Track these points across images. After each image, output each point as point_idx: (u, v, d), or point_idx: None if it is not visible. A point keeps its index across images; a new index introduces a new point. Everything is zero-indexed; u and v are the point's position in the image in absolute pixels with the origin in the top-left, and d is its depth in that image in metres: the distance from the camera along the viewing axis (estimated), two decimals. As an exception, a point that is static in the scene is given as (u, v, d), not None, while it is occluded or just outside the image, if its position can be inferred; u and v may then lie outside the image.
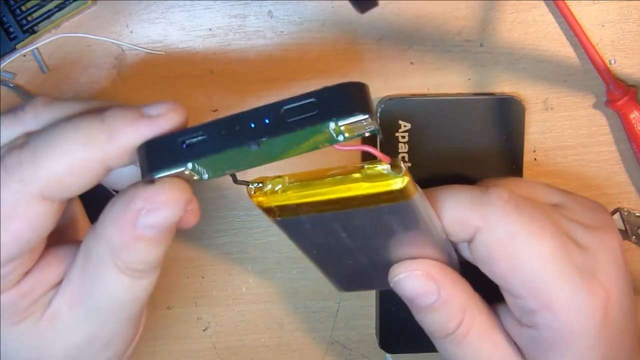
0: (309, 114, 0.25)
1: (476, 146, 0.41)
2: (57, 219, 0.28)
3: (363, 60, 0.41)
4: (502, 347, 0.34)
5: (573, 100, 0.42)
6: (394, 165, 0.28)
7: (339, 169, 0.29)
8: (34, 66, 0.40)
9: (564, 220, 0.33)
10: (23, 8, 0.39)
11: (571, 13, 0.40)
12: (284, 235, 0.33)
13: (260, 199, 0.30)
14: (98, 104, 0.29)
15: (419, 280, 0.33)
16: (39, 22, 0.39)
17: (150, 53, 0.41)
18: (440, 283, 0.33)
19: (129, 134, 0.27)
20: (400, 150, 0.41)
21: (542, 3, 0.41)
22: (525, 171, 0.42)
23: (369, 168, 0.28)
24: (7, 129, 0.29)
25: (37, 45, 0.40)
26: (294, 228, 0.32)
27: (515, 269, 0.32)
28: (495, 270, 0.32)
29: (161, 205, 0.27)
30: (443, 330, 0.34)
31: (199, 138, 0.26)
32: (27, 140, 0.28)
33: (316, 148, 0.27)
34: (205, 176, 0.27)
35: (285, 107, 0.26)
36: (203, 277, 0.44)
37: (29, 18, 0.39)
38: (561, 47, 0.42)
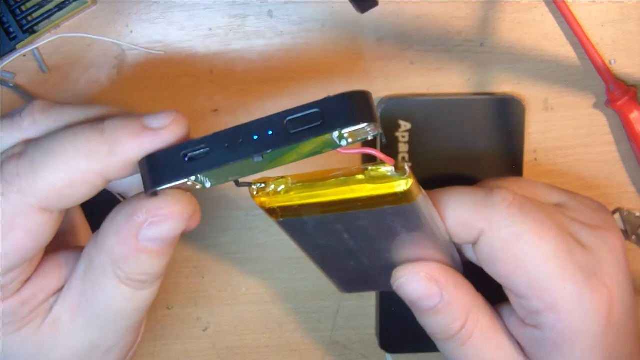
0: (312, 125, 0.25)
1: (476, 146, 0.41)
2: (56, 227, 0.28)
3: (363, 60, 0.41)
4: (505, 348, 0.34)
5: (573, 100, 0.42)
6: (398, 167, 0.28)
7: (342, 171, 0.29)
8: (34, 66, 0.40)
9: (566, 220, 0.33)
10: (23, 8, 0.39)
11: (571, 13, 0.40)
12: (284, 235, 0.33)
13: (262, 199, 0.30)
14: (97, 110, 0.29)
15: (422, 282, 0.33)
16: (39, 22, 0.39)
17: (150, 53, 0.41)
18: (443, 285, 0.33)
19: (130, 147, 0.27)
20: (400, 150, 0.41)
21: (542, 3, 0.41)
22: (525, 171, 0.42)
23: (372, 170, 0.28)
24: (5, 135, 0.28)
25: (37, 45, 0.40)
26: (296, 229, 0.32)
27: (519, 269, 0.32)
28: (500, 271, 0.32)
29: (164, 218, 0.27)
30: (446, 332, 0.34)
31: (202, 151, 0.26)
32: (25, 149, 0.27)
33: (319, 153, 0.27)
34: (208, 184, 0.27)
35: (289, 118, 0.25)
36: (203, 277, 0.44)
37: (29, 18, 0.39)
38: (561, 47, 0.42)
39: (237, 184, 0.29)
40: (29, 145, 0.27)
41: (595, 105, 0.43)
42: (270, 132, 0.26)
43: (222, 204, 0.43)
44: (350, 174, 0.28)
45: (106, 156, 0.26)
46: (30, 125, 0.28)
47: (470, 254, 0.34)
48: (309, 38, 0.41)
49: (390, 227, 0.31)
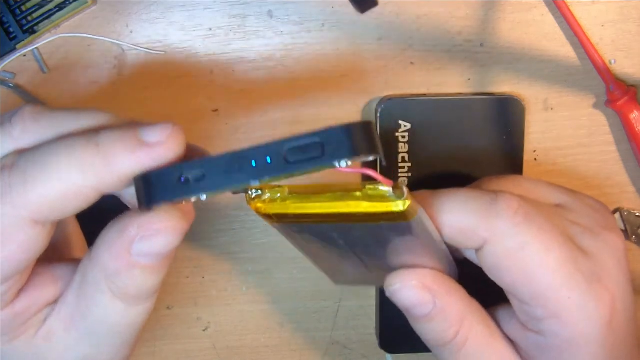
0: (312, 156, 0.25)
1: (476, 146, 0.41)
2: (49, 239, 0.28)
3: (363, 60, 0.41)
4: (501, 354, 0.34)
5: (573, 100, 0.42)
6: (396, 188, 0.28)
7: (341, 186, 0.29)
8: (34, 66, 0.40)
9: (568, 225, 0.33)
10: (23, 8, 0.39)
11: (571, 13, 0.40)
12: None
13: (258, 205, 0.29)
14: (89, 117, 0.28)
15: (414, 290, 0.33)
16: (39, 22, 0.39)
17: (150, 53, 0.41)
18: (436, 293, 0.33)
19: (126, 162, 0.26)
20: (400, 150, 0.41)
21: (542, 3, 0.41)
22: (525, 171, 0.42)
23: (370, 189, 0.28)
24: None
25: (37, 45, 0.40)
26: (291, 233, 0.32)
27: (523, 279, 0.31)
28: (503, 279, 0.32)
29: (156, 233, 0.27)
30: (440, 339, 0.33)
31: (199, 174, 0.26)
32: (17, 160, 0.27)
33: (316, 172, 0.26)
34: (204, 197, 0.27)
35: (288, 147, 0.25)
36: (203, 277, 0.44)
37: (29, 18, 0.39)
38: (561, 47, 0.42)
39: (234, 192, 0.29)
40: (21, 156, 0.27)
41: (595, 105, 0.43)
42: (269, 160, 0.25)
43: (222, 204, 0.43)
44: (348, 190, 0.28)
45: (101, 171, 0.26)
46: (21, 134, 0.28)
47: (469, 253, 0.34)
48: (309, 38, 0.41)
49: (386, 238, 0.31)
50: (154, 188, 0.26)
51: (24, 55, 0.40)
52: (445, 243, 0.33)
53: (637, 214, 0.43)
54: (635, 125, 0.41)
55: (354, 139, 0.25)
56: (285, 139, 0.25)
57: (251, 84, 0.41)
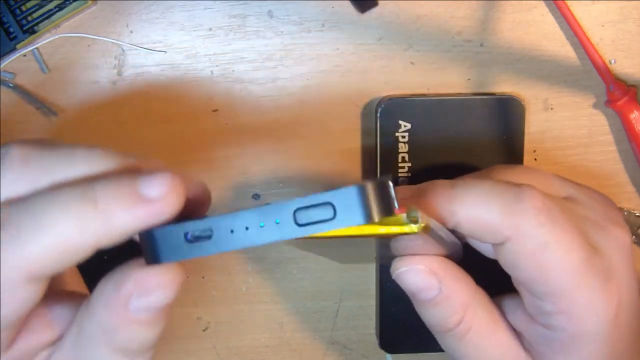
0: (324, 219, 0.24)
1: (476, 146, 0.41)
2: (45, 289, 0.27)
3: (363, 60, 0.41)
4: (505, 344, 0.34)
5: (573, 100, 0.42)
6: (410, 214, 0.28)
7: None
8: (34, 66, 0.40)
9: (581, 220, 0.33)
10: (23, 8, 0.39)
11: (571, 13, 0.40)
12: None
13: None
14: (85, 162, 0.27)
15: (421, 274, 0.33)
16: (39, 22, 0.39)
17: (150, 53, 0.41)
18: (442, 278, 0.33)
19: (125, 219, 0.25)
20: (400, 150, 0.41)
21: (542, 3, 0.41)
22: (525, 171, 0.42)
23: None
24: None
25: (37, 45, 0.40)
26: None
27: (540, 276, 0.31)
28: (520, 275, 0.32)
29: (153, 288, 0.26)
30: (444, 325, 0.34)
31: (205, 233, 0.25)
32: (9, 214, 0.25)
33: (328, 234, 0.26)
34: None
35: (299, 208, 0.25)
36: (203, 277, 0.44)
37: (29, 18, 0.39)
38: (561, 47, 0.42)
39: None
40: (13, 209, 0.25)
41: (595, 105, 0.43)
42: (278, 221, 0.25)
43: (222, 203, 0.43)
44: None
45: (99, 228, 0.25)
46: (12, 182, 0.26)
47: (483, 246, 0.34)
48: (309, 38, 0.41)
49: (396, 239, 0.31)
50: (159, 246, 0.25)
51: (24, 55, 0.40)
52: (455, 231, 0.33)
53: (637, 214, 0.43)
54: (635, 125, 0.41)
55: (369, 202, 0.24)
56: (295, 200, 0.25)
57: (251, 84, 0.41)
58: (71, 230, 0.25)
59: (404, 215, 0.28)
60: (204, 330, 0.45)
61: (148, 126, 0.41)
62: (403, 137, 0.41)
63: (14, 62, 0.40)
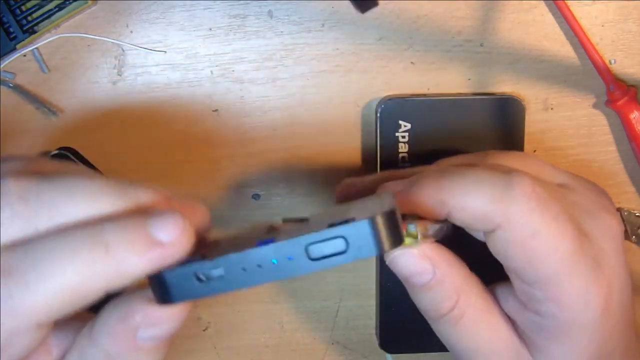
0: (336, 253, 0.25)
1: (476, 146, 0.41)
2: (51, 327, 0.26)
3: (363, 60, 0.41)
4: (498, 330, 0.34)
5: (573, 100, 0.42)
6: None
7: None
8: (34, 66, 0.40)
9: (572, 207, 0.33)
10: (23, 8, 0.39)
11: (571, 13, 0.40)
12: None
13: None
14: (89, 201, 0.26)
15: (415, 258, 0.33)
16: (39, 22, 0.39)
17: (150, 53, 0.41)
18: (436, 263, 0.32)
19: (137, 265, 0.25)
20: (400, 150, 0.41)
21: (542, 3, 0.41)
22: (525, 171, 0.42)
23: None
24: None
25: (37, 45, 0.40)
26: None
27: (531, 264, 0.31)
28: (510, 262, 0.32)
29: (162, 322, 0.26)
30: (437, 311, 0.33)
31: (217, 272, 0.25)
32: (14, 262, 0.24)
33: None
34: None
35: (311, 243, 0.25)
36: (203, 277, 0.44)
37: (29, 18, 0.39)
38: (561, 47, 0.42)
39: None
40: (18, 254, 0.24)
41: (595, 105, 0.43)
42: (290, 257, 0.25)
43: (222, 203, 0.43)
44: None
45: (110, 274, 0.25)
46: (10, 223, 0.25)
47: (475, 232, 0.34)
48: (309, 38, 0.41)
49: None
50: (171, 288, 0.25)
51: (24, 55, 0.40)
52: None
53: (637, 214, 0.43)
54: (635, 125, 0.41)
55: (379, 236, 0.25)
56: (307, 235, 0.25)
57: (251, 84, 0.41)
58: (81, 277, 0.24)
59: (404, 233, 0.28)
60: (204, 330, 0.45)
61: (148, 126, 0.41)
62: (403, 137, 0.41)
63: (14, 62, 0.40)
